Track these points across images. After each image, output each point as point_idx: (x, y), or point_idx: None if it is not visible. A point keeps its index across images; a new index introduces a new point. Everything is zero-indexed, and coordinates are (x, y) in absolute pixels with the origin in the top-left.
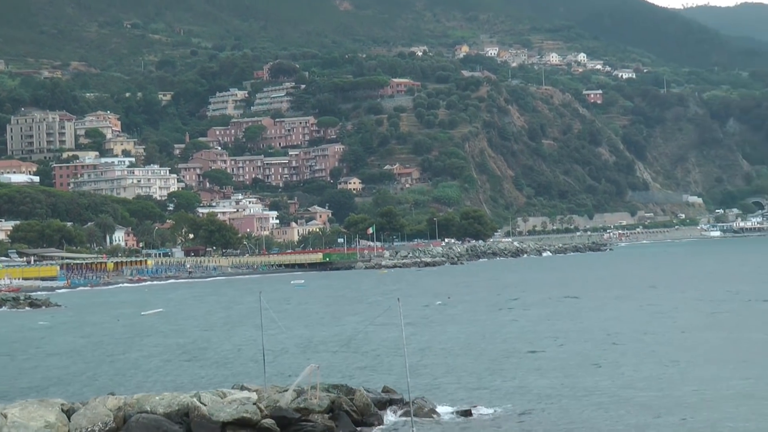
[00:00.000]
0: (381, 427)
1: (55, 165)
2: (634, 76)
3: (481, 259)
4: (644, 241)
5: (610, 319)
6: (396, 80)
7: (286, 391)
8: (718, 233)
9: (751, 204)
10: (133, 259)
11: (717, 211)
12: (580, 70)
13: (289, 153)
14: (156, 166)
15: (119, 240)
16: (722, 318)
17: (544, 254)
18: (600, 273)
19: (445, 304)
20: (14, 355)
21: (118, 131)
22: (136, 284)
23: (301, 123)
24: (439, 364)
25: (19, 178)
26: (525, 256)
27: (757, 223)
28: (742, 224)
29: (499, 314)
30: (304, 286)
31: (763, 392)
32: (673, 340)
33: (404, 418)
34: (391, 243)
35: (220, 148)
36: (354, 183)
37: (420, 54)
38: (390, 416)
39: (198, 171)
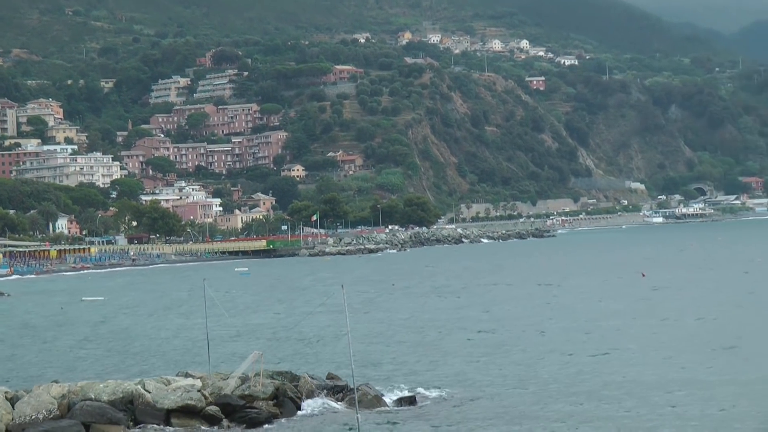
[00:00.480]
0: (324, 412)
1: None
2: (576, 63)
3: (424, 246)
4: (585, 228)
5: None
6: (339, 67)
7: (230, 377)
8: (660, 219)
9: (693, 190)
10: (77, 246)
11: (659, 197)
12: (523, 56)
13: (232, 140)
14: (99, 154)
15: (62, 228)
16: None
17: (484, 240)
18: (529, 261)
19: (389, 291)
20: None
21: (61, 119)
22: (79, 272)
23: (243, 110)
24: (383, 351)
25: None
26: (466, 241)
27: (699, 209)
28: (684, 210)
29: (438, 301)
30: (248, 273)
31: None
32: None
33: (348, 406)
34: (335, 230)
35: (162, 135)
36: (297, 170)
37: (363, 41)
38: (335, 403)
39: (141, 158)
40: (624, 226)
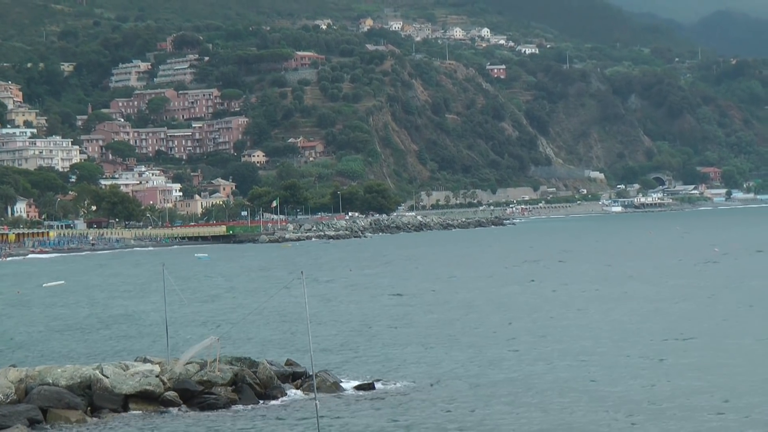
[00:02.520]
0: (284, 399)
1: None
2: (537, 52)
3: (384, 233)
4: (542, 216)
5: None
6: (300, 53)
7: (182, 359)
8: (619, 208)
9: (651, 180)
10: (35, 230)
11: (618, 186)
12: (484, 45)
13: (193, 125)
14: (58, 138)
15: (21, 211)
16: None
17: (442, 229)
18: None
19: (348, 277)
20: None
21: (20, 102)
22: (39, 255)
23: (204, 95)
24: (342, 338)
25: None
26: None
27: (658, 198)
28: (642, 200)
29: (399, 288)
30: (208, 258)
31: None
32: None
33: (307, 393)
34: (295, 216)
35: (122, 119)
36: (258, 156)
37: (324, 27)
38: (292, 390)
39: (101, 143)
40: (580, 215)
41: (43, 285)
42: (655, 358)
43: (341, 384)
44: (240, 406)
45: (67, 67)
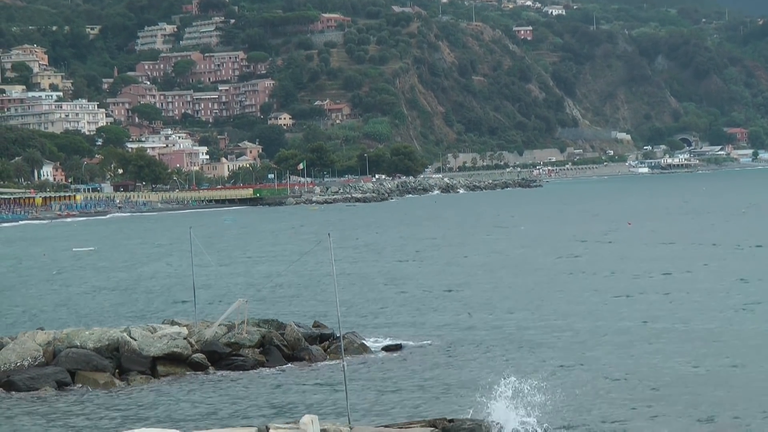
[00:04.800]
0: (311, 361)
1: None
2: (563, 13)
3: (410, 195)
4: (568, 178)
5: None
6: (326, 15)
7: (213, 325)
8: (645, 170)
9: (678, 141)
10: (62, 194)
11: (645, 147)
12: (510, 6)
13: (219, 88)
14: (84, 101)
15: (47, 175)
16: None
17: (460, 191)
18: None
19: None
20: None
21: (45, 65)
22: (65, 219)
23: (230, 58)
24: (370, 300)
25: None
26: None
27: (684, 159)
28: (669, 161)
29: (425, 251)
30: (235, 221)
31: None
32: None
33: (334, 354)
34: (322, 179)
35: (148, 83)
36: (284, 118)
37: None
38: (320, 351)
39: (127, 106)
40: (605, 177)
41: (73, 249)
42: None
43: (369, 345)
44: (267, 368)
45: (92, 30)
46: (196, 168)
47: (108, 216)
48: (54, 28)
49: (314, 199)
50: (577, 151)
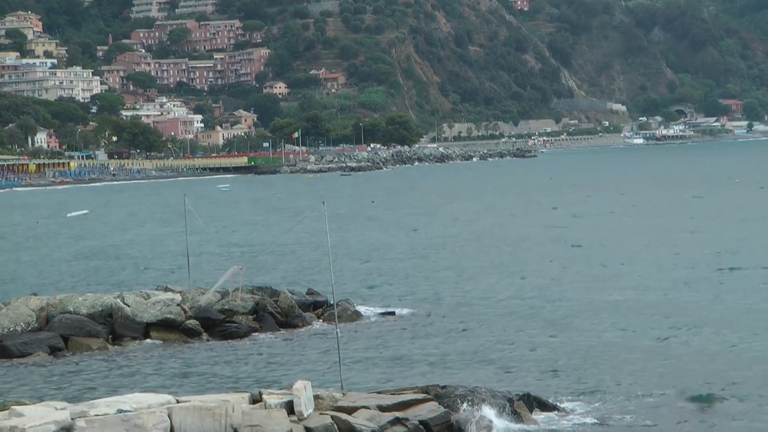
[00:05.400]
0: (305, 328)
1: None
2: None
3: (405, 165)
4: (563, 148)
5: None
6: None
7: (208, 292)
8: (640, 141)
9: (673, 112)
10: (56, 161)
11: (640, 118)
12: None
13: (214, 56)
14: (79, 68)
15: (41, 142)
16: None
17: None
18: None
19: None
20: None
21: (40, 32)
22: (59, 186)
23: (226, 26)
24: (365, 269)
25: None
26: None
27: (680, 130)
28: (664, 132)
29: (421, 219)
30: (229, 189)
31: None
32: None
33: (328, 322)
34: (317, 148)
35: (143, 50)
36: (279, 87)
37: None
38: (313, 319)
39: (121, 73)
40: (602, 147)
41: (68, 215)
42: None
43: (362, 313)
44: (261, 335)
45: None
46: (191, 136)
47: (102, 183)
48: None
49: (309, 167)
50: (573, 121)
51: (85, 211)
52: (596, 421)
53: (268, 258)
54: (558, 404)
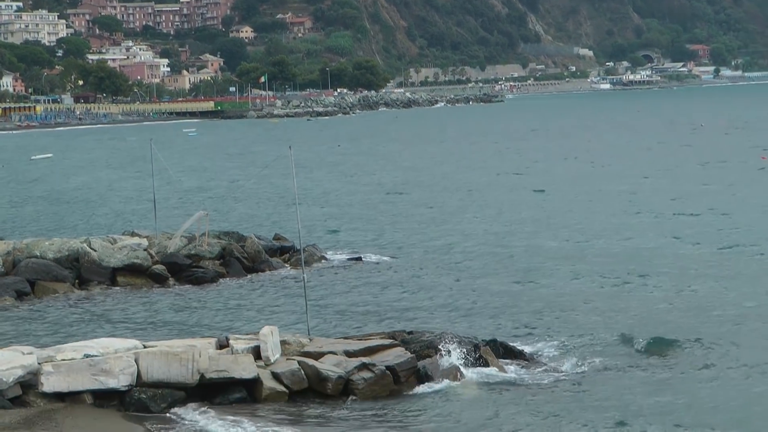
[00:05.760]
0: (271, 272)
1: None
2: None
3: (372, 110)
4: (530, 93)
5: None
6: None
7: (174, 236)
8: (607, 86)
9: (640, 57)
10: (21, 105)
11: (607, 63)
12: None
13: (180, 0)
14: (44, 12)
15: (7, 86)
16: None
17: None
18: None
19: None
20: None
21: None
22: (24, 130)
23: None
24: (332, 216)
25: None
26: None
27: (646, 76)
28: (631, 77)
29: (387, 164)
30: (196, 134)
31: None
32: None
33: (295, 266)
34: (284, 92)
35: None
36: (246, 31)
37: None
38: (280, 264)
39: (87, 17)
40: (569, 93)
41: (31, 158)
42: None
43: (329, 258)
44: (228, 280)
45: None
46: (157, 80)
47: (68, 128)
48: None
49: (275, 112)
50: (540, 66)
51: (49, 155)
52: (561, 365)
53: (235, 203)
54: (524, 350)
